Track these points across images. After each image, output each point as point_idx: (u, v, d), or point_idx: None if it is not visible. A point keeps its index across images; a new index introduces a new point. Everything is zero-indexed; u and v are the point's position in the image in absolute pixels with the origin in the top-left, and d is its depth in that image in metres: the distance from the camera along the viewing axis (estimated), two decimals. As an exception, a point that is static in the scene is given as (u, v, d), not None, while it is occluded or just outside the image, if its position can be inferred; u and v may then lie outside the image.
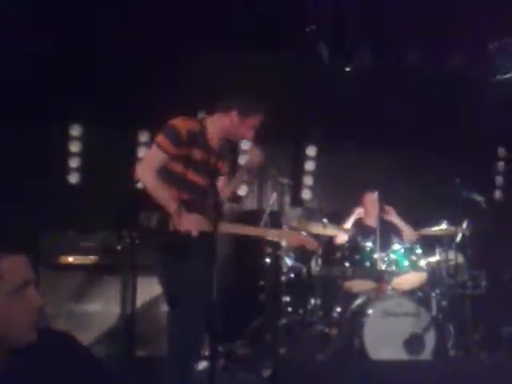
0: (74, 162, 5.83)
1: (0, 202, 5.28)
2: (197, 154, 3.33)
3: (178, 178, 3.30)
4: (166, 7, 5.07)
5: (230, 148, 3.76)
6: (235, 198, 6.06)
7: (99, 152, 5.77)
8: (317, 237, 5.23)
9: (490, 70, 6.09)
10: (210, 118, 3.50)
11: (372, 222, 5.58)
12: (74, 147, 5.83)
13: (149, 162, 3.31)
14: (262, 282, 5.35)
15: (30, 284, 1.65)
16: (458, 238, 5.22)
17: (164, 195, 3.21)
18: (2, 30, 4.96)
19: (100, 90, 5.53)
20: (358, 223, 5.65)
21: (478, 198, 5.39)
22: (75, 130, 5.81)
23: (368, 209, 5.65)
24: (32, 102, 5.34)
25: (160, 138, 3.29)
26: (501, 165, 6.65)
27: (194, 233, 3.16)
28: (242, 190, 6.14)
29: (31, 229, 4.94)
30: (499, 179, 6.65)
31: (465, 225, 5.19)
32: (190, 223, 3.16)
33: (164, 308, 4.92)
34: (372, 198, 5.62)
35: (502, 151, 6.66)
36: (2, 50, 5.03)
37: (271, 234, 4.13)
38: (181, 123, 3.30)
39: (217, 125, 3.46)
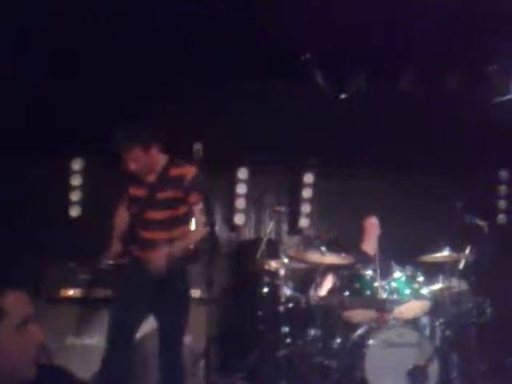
0: (74, 196, 5.87)
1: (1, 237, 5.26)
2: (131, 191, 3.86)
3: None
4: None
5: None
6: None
7: (99, 185, 5.76)
8: (315, 265, 5.15)
9: (488, 92, 6.04)
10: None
11: (371, 248, 5.48)
12: (75, 181, 5.87)
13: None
14: (260, 313, 5.23)
15: (32, 320, 1.65)
16: (461, 264, 5.11)
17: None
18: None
19: (98, 124, 5.53)
20: (357, 250, 5.54)
21: (481, 222, 5.28)
22: (76, 164, 5.86)
23: (368, 234, 5.56)
24: (33, 136, 5.38)
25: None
26: (503, 188, 6.54)
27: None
28: (240, 219, 6.07)
29: (33, 263, 4.91)
30: (502, 203, 6.53)
31: (468, 251, 5.08)
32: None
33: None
34: (371, 223, 5.53)
35: (504, 174, 6.56)
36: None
37: None
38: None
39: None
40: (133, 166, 3.70)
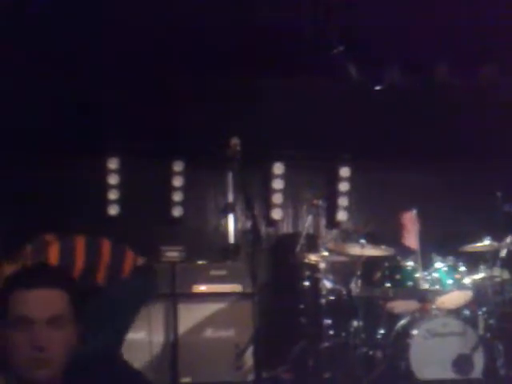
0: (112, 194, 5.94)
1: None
2: None
3: None
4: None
5: None
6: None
7: (136, 183, 5.86)
8: (355, 257, 5.17)
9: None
10: None
11: (412, 242, 5.45)
12: (113, 180, 5.94)
13: None
14: (301, 305, 5.27)
15: (39, 323, 1.58)
16: (503, 253, 5.06)
17: None
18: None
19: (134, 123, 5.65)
20: (398, 245, 5.52)
21: (521, 211, 5.25)
22: (113, 163, 5.92)
23: (407, 229, 5.53)
24: (70, 135, 5.48)
25: None
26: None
27: None
28: (277, 214, 6.11)
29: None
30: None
31: (509, 240, 5.03)
32: None
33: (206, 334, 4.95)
34: (410, 217, 5.50)
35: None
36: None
37: None
38: None
39: None
40: None
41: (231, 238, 5.75)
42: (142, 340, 4.83)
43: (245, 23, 5.08)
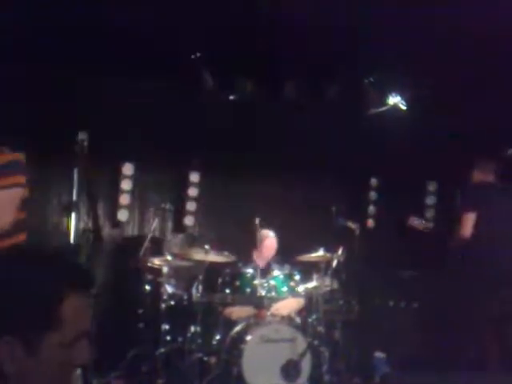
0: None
1: None
2: None
3: None
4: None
5: None
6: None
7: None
8: (199, 263, 5.25)
9: (363, 104, 6.45)
10: None
11: (260, 260, 5.61)
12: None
13: None
14: (140, 310, 5.23)
15: (86, 336, 1.29)
16: (334, 264, 5.38)
17: None
18: None
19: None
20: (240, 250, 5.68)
21: (352, 225, 5.65)
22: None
23: (265, 251, 5.65)
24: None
25: None
26: (373, 194, 7.01)
27: None
28: (123, 215, 6.01)
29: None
30: (371, 208, 7.00)
31: (340, 251, 5.36)
32: None
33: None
34: (272, 242, 5.64)
35: (374, 181, 7.03)
36: None
37: None
38: None
39: None
40: None
41: (72, 238, 5.55)
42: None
43: (102, 22, 4.94)
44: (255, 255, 5.63)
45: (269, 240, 5.63)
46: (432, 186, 7.10)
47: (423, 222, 5.39)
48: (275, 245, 5.64)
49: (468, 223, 4.96)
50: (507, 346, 4.90)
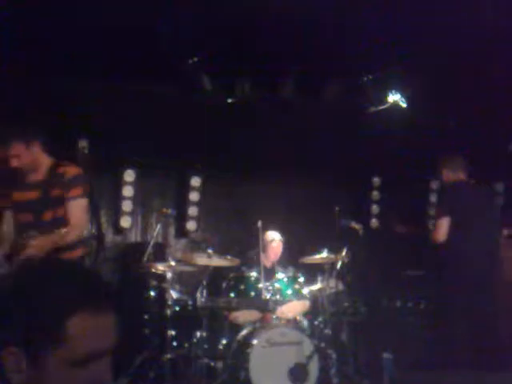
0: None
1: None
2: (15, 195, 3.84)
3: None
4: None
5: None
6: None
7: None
8: (202, 268, 5.23)
9: (364, 102, 6.43)
10: None
11: (267, 262, 5.61)
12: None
13: None
14: (146, 316, 5.21)
15: (105, 356, 1.22)
16: (338, 265, 5.34)
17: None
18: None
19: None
20: (244, 254, 5.66)
21: (356, 225, 5.62)
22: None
23: (272, 253, 5.66)
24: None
25: None
26: (375, 194, 6.99)
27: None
28: (126, 222, 6.00)
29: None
30: (375, 208, 6.98)
31: (344, 252, 5.33)
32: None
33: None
34: (278, 244, 5.65)
35: (376, 181, 7.00)
36: None
37: None
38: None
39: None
40: (15, 163, 3.69)
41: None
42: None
43: (99, 26, 4.92)
44: (262, 257, 5.62)
45: (275, 242, 5.61)
46: (435, 184, 7.08)
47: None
48: (281, 247, 5.60)
49: (442, 228, 5.04)
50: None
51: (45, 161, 3.82)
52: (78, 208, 3.76)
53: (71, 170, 3.79)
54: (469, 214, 5.08)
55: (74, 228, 3.72)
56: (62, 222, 3.73)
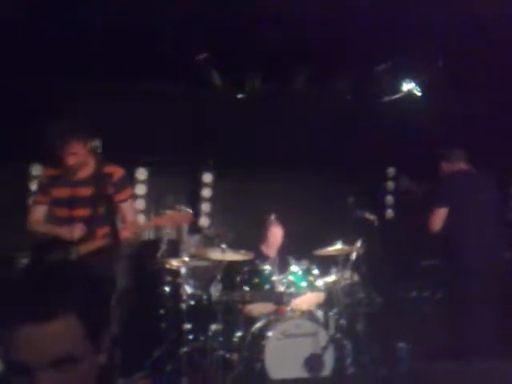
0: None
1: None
2: (57, 192, 3.98)
3: (55, 217, 4.00)
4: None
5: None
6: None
7: None
8: (216, 262, 5.28)
9: (377, 92, 6.39)
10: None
11: (271, 251, 5.61)
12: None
13: (31, 217, 4.07)
14: (162, 311, 5.27)
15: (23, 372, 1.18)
16: (353, 256, 5.33)
17: (54, 230, 3.97)
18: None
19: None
20: (257, 248, 5.68)
21: (371, 216, 5.60)
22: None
23: (272, 239, 5.65)
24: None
25: (35, 195, 4.10)
26: (390, 184, 6.95)
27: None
28: (139, 220, 6.04)
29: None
30: (389, 198, 6.94)
31: (359, 244, 5.31)
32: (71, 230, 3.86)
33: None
34: (274, 228, 5.63)
35: (391, 171, 6.96)
36: None
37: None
38: (43, 173, 4.09)
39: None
40: (72, 160, 3.87)
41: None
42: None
43: (109, 25, 4.99)
44: (263, 248, 5.62)
45: (274, 227, 5.60)
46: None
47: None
48: (281, 231, 5.60)
49: (438, 217, 5.04)
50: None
51: (91, 160, 4.06)
52: (132, 208, 4.14)
53: (118, 171, 4.01)
54: (467, 203, 5.05)
55: (132, 226, 4.09)
56: (102, 219, 3.90)
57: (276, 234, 5.60)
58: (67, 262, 3.18)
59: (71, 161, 3.88)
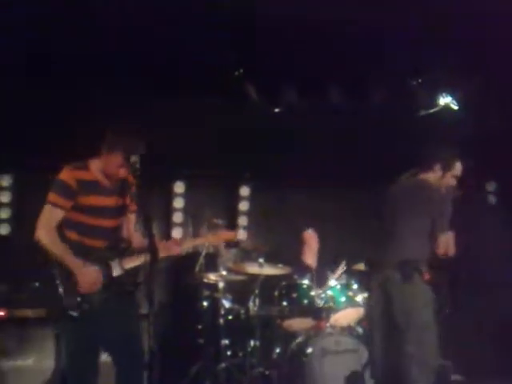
0: (3, 213, 5.73)
1: None
2: (92, 199, 3.50)
3: (81, 226, 3.48)
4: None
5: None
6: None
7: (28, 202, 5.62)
8: (254, 277, 5.24)
9: (413, 106, 6.32)
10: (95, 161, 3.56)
11: (311, 260, 5.58)
12: (4, 197, 5.73)
13: (45, 221, 3.43)
14: (199, 326, 5.24)
15: None
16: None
17: (64, 253, 3.37)
18: None
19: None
20: (298, 262, 5.64)
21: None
22: (4, 181, 5.72)
23: (308, 247, 5.64)
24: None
25: (52, 196, 3.40)
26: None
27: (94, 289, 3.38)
28: (177, 233, 6.07)
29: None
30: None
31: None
32: (89, 281, 3.38)
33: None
34: (310, 236, 5.63)
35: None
36: None
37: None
38: (68, 175, 3.43)
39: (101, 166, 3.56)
40: (124, 173, 3.57)
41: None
42: (30, 367, 4.66)
43: (145, 44, 5.04)
44: (304, 259, 5.57)
45: (307, 234, 5.57)
46: (491, 187, 6.88)
47: None
48: (317, 245, 5.55)
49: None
50: None
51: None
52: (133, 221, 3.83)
53: (133, 182, 3.69)
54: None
55: (181, 241, 4.03)
56: (120, 229, 3.74)
57: (312, 239, 5.57)
58: None
59: (123, 174, 3.58)
